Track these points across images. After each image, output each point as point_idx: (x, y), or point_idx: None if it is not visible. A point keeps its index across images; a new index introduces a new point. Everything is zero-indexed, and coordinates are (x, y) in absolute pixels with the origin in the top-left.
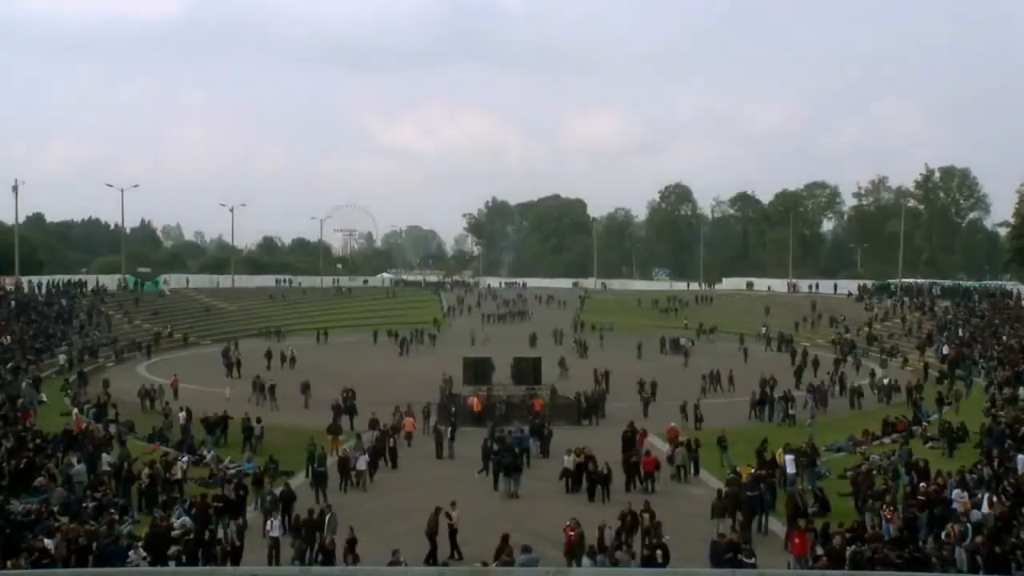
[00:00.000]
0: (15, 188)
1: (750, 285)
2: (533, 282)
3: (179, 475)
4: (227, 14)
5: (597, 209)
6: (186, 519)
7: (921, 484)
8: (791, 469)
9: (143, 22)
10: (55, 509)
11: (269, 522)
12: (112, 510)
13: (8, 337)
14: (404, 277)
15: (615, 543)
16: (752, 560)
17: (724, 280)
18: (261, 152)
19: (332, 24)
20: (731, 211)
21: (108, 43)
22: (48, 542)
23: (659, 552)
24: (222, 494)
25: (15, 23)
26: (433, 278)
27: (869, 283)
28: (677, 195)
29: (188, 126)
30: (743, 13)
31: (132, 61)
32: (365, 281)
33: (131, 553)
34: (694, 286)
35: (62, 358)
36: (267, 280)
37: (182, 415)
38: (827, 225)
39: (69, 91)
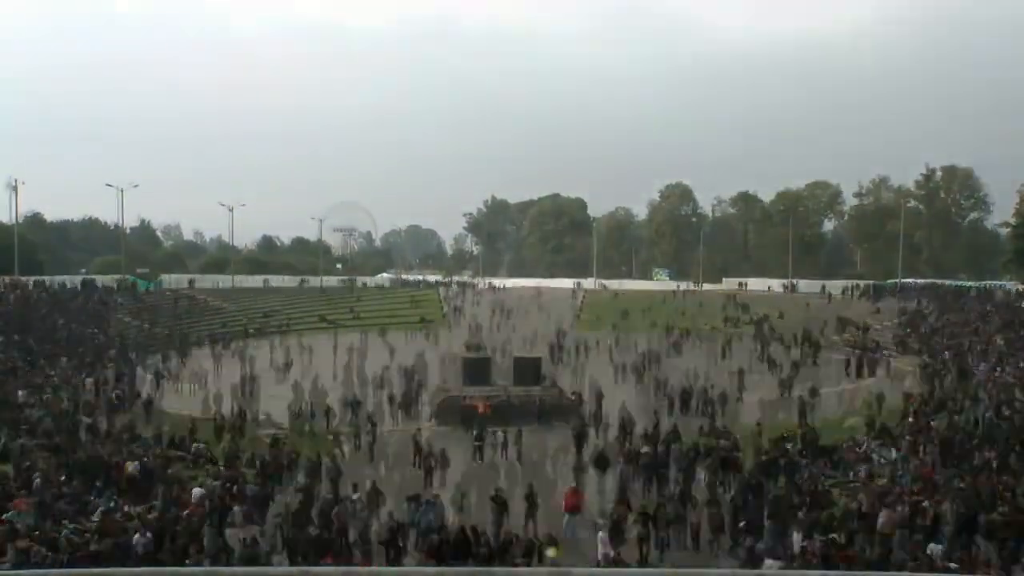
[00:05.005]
0: (14, 188)
1: (742, 285)
2: (532, 282)
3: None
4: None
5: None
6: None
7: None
8: None
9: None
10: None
11: None
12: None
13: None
14: (403, 276)
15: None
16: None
17: (723, 280)
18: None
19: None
20: (732, 211)
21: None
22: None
23: None
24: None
25: None
26: (434, 277)
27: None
28: (678, 194)
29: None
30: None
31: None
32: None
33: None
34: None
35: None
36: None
37: None
38: (828, 225)
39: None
